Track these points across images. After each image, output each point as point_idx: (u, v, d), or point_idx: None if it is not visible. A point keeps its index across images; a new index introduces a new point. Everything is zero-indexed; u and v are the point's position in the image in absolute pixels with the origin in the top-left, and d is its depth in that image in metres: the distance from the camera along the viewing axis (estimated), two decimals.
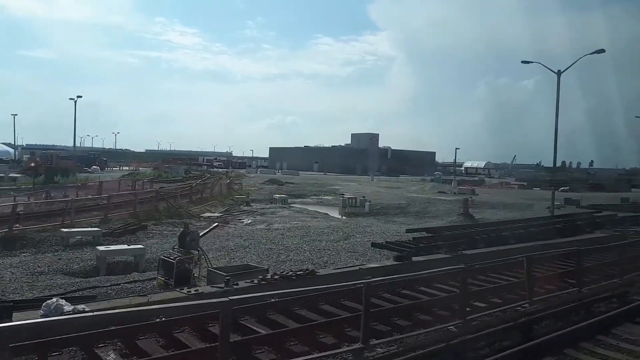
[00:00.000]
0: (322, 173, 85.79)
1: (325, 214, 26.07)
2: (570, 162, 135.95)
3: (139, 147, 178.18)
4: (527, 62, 25.06)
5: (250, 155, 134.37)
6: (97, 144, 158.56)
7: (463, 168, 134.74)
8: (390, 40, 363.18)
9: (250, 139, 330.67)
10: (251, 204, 28.66)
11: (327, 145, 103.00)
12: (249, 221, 20.68)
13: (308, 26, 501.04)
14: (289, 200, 34.21)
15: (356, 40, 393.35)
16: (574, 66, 23.43)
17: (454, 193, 46.47)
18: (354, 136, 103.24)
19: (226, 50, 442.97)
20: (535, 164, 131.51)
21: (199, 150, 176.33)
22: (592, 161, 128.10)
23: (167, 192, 24.70)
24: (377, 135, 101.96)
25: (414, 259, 12.66)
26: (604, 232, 18.94)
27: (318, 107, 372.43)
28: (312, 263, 12.55)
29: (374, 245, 15.29)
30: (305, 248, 14.71)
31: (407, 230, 17.09)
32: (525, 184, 70.73)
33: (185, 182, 39.63)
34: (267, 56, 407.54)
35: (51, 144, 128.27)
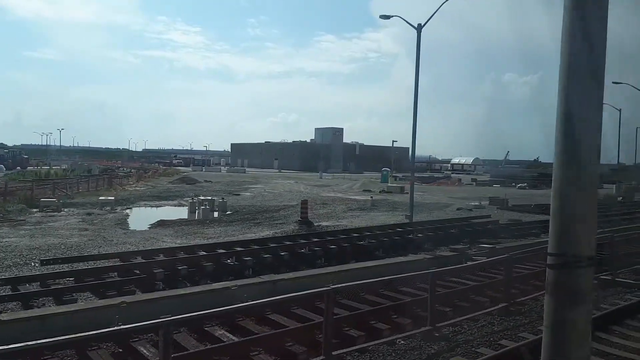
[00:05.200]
0: (277, 170, 79.54)
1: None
2: None
3: (140, 146, 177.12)
4: (387, 17, 18.71)
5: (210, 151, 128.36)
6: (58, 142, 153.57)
7: (450, 164, 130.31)
8: (393, 37, 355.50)
9: (253, 137, 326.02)
10: (62, 209, 22.57)
11: (289, 141, 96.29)
12: None
13: (310, 24, 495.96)
14: (142, 202, 28.20)
15: (359, 38, 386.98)
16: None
17: (380, 191, 40.23)
18: (318, 131, 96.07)
19: (229, 49, 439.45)
20: (533, 159, 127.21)
21: (196, 149, 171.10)
22: None
23: None
24: (342, 129, 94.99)
25: None
26: (431, 253, 12.59)
27: (321, 105, 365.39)
28: None
29: None
30: None
31: (43, 262, 10.49)
32: (485, 180, 64.64)
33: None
34: (269, 54, 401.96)
35: (46, 143, 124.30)
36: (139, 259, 10.64)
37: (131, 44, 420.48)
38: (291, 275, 9.55)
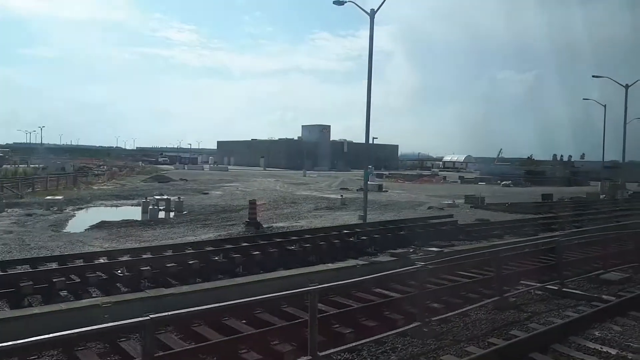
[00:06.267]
0: (262, 168, 78.21)
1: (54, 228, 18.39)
2: (562, 155, 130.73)
3: (134, 144, 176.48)
4: (341, 3, 17.36)
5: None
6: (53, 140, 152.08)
7: (441, 162, 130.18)
8: (388, 35, 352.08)
9: (248, 135, 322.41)
10: (5, 209, 21.22)
11: (276, 138, 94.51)
12: None
13: (305, 21, 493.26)
14: (99, 201, 26.93)
15: (354, 36, 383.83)
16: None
17: (358, 190, 38.94)
18: (305, 128, 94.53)
19: (224, 46, 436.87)
20: (527, 157, 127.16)
21: (184, 147, 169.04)
22: (583, 154, 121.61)
23: None
24: (329, 127, 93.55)
25: None
26: (366, 259, 11.35)
27: (317, 102, 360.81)
28: None
29: None
30: None
31: None
32: (472, 177, 63.63)
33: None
34: (265, 52, 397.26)
35: (28, 141, 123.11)
36: (26, 269, 9.34)
37: (127, 41, 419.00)
38: (185, 289, 8.25)
